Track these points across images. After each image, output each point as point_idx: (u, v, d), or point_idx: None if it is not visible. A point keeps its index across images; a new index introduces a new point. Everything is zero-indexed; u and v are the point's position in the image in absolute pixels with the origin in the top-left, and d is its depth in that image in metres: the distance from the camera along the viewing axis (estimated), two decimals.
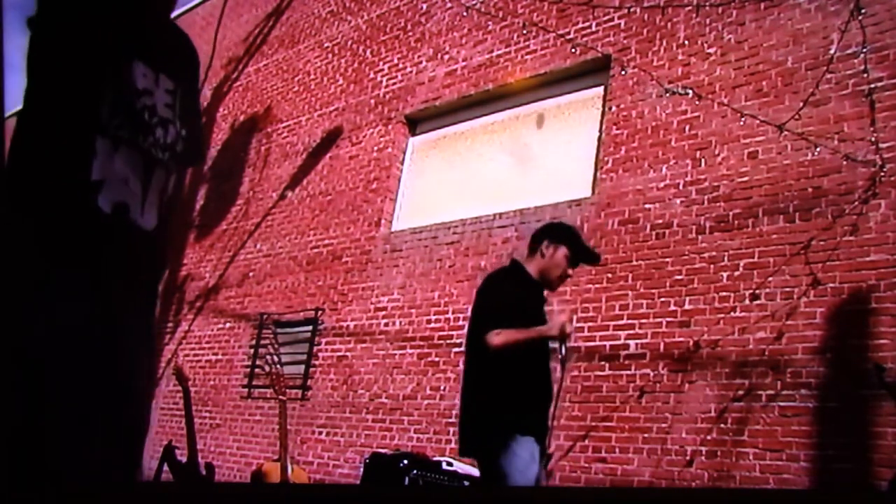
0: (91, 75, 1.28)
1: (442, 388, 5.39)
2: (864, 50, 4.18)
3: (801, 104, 4.30)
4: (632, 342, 4.61)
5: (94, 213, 1.26)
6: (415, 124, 6.90)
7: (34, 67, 1.28)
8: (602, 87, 5.59)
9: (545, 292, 3.05)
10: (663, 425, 4.30)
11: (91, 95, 1.28)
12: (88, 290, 1.23)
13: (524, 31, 5.96)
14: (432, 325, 5.69)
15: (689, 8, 5.11)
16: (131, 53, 1.34)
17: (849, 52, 4.30)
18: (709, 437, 4.13)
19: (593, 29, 5.66)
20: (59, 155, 1.26)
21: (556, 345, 2.86)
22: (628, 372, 4.55)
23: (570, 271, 2.96)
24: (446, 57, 6.63)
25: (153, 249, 1.42)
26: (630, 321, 4.67)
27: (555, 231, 3.08)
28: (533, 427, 2.74)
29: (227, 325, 7.46)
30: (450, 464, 4.39)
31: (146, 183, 1.37)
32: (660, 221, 4.78)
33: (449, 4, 6.75)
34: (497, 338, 2.69)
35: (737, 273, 4.35)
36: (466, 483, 4.31)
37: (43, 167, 1.25)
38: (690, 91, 4.69)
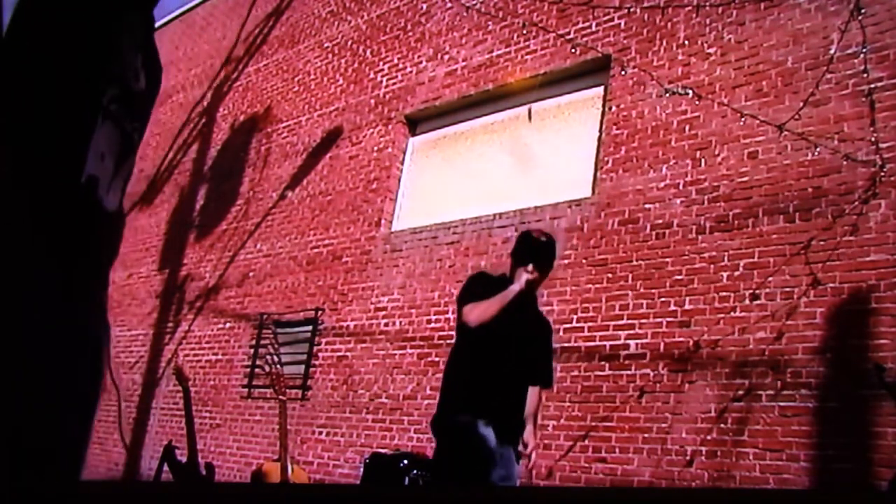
0: (99, 42, 1.23)
1: None
2: (864, 50, 4.18)
3: (801, 104, 4.30)
4: (632, 342, 4.61)
5: (71, 184, 1.22)
6: (415, 124, 6.90)
7: (31, 16, 1.22)
8: (602, 87, 5.59)
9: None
10: (663, 425, 4.30)
11: (95, 63, 1.24)
12: (56, 268, 1.21)
13: (524, 31, 5.96)
14: (432, 325, 5.69)
15: (689, 8, 5.11)
16: (138, 35, 1.31)
17: (849, 52, 4.30)
18: (709, 437, 4.13)
19: (593, 29, 5.66)
20: (58, 122, 1.22)
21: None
22: (628, 372, 4.55)
23: (527, 269, 3.06)
24: (446, 57, 6.63)
25: (110, 233, 1.39)
26: (630, 321, 4.67)
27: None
28: (488, 415, 2.87)
29: (227, 325, 7.46)
30: None
31: (119, 164, 1.34)
32: (660, 221, 4.78)
33: (449, 4, 6.75)
34: (471, 313, 2.92)
35: (737, 273, 4.35)
36: None
37: (37, 130, 1.20)
38: (690, 91, 4.69)
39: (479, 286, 3.05)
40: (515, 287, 2.97)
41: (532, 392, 3.12)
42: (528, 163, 5.91)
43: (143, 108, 1.39)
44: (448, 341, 5.47)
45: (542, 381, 3.18)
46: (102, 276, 1.39)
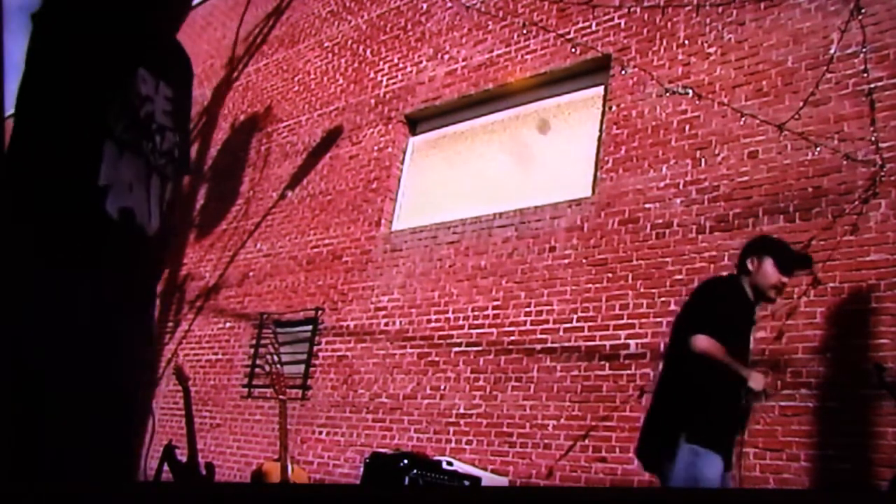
0: (99, 79, 1.29)
1: (442, 387, 5.39)
2: (864, 50, 4.17)
3: (801, 104, 4.30)
4: (632, 342, 4.61)
5: (100, 217, 1.27)
6: (415, 124, 6.89)
7: (37, 66, 1.28)
8: (602, 87, 5.59)
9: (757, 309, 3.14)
10: None
11: (98, 99, 1.29)
12: (88, 294, 1.24)
13: (524, 31, 5.96)
14: (432, 324, 5.69)
15: (689, 8, 5.11)
16: (137, 60, 1.35)
17: (849, 51, 4.30)
18: None
19: (593, 29, 5.66)
20: (66, 158, 1.27)
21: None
22: (628, 372, 4.55)
23: (784, 279, 3.01)
24: (446, 57, 6.62)
25: (154, 252, 1.44)
26: (630, 321, 4.67)
27: (755, 244, 3.18)
28: (721, 443, 2.77)
29: (227, 325, 7.46)
30: (450, 463, 4.40)
31: (148, 188, 1.39)
32: (660, 221, 4.78)
33: (449, 4, 6.74)
34: (705, 342, 2.72)
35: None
36: (466, 483, 4.31)
37: (48, 170, 1.26)
38: (690, 91, 4.69)
39: (728, 311, 2.88)
40: (752, 384, 2.78)
41: None
42: (528, 163, 5.91)
43: (177, 113, 1.45)
44: (448, 341, 5.48)
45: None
46: (152, 292, 1.45)
